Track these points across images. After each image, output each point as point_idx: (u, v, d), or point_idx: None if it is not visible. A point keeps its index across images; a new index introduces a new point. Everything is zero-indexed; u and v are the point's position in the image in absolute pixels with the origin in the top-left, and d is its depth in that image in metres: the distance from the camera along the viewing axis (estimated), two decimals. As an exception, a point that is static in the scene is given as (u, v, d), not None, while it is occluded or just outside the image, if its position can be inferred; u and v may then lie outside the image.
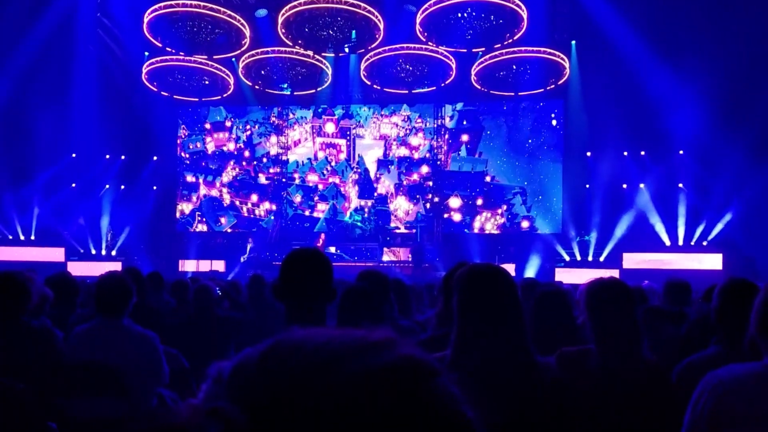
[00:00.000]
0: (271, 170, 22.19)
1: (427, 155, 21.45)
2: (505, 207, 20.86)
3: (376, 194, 21.68)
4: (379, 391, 0.54)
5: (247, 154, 22.39)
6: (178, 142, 22.47)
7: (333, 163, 21.99)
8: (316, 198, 21.93)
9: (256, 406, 0.55)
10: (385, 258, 20.38)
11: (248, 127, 22.29)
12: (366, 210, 21.62)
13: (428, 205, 21.37)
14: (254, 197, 22.27)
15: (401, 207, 21.51)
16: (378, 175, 21.74)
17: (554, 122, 20.46)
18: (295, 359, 0.57)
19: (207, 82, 19.25)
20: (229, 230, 22.21)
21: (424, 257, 18.82)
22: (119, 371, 3.32)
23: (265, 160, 22.31)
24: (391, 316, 3.82)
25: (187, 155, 22.54)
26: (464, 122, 21.29)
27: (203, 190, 22.46)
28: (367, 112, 21.71)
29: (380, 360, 0.57)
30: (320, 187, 22.01)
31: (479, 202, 21.04)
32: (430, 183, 21.36)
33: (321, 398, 0.54)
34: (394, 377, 0.56)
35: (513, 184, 20.87)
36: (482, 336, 2.08)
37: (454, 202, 21.19)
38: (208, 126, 22.46)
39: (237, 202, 22.37)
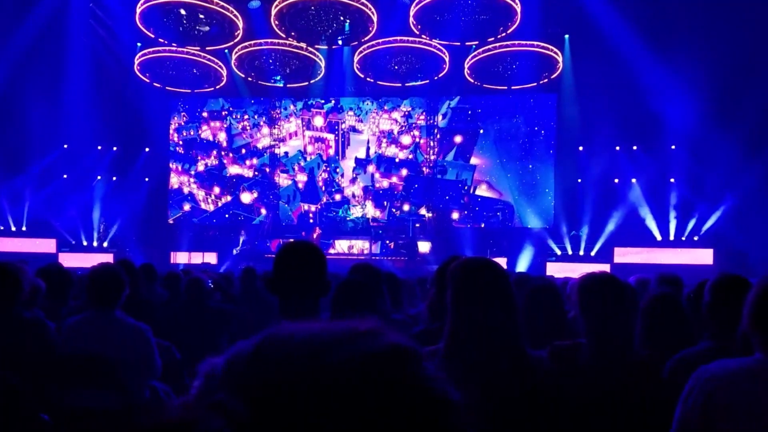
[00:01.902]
0: (248, 162, 21.95)
1: (410, 156, 20.86)
2: (483, 225, 20.22)
3: (339, 197, 21.08)
4: (367, 376, 0.57)
5: (225, 144, 22.17)
6: (173, 127, 22.30)
7: (309, 158, 21.57)
8: (271, 196, 21.62)
9: (252, 397, 0.57)
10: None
11: (246, 117, 22.14)
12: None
13: (398, 213, 20.68)
14: (217, 189, 22.03)
15: (369, 213, 20.96)
16: (355, 175, 21.20)
17: (547, 117, 20.37)
18: (287, 350, 0.60)
19: (197, 73, 19.13)
20: (171, 222, 21.88)
21: (416, 251, 18.76)
22: (113, 362, 3.31)
23: (243, 151, 22.03)
24: (384, 310, 3.82)
25: (181, 142, 22.37)
26: (457, 122, 20.71)
27: (173, 178, 22.22)
28: (370, 106, 21.25)
29: (367, 347, 0.60)
30: (281, 183, 21.63)
31: (455, 216, 20.41)
32: (401, 188, 20.67)
33: (313, 386, 0.56)
34: (381, 363, 0.59)
35: (499, 197, 20.28)
36: (475, 329, 2.08)
37: (427, 213, 20.50)
38: (205, 114, 22.34)
39: (202, 194, 22.14)
